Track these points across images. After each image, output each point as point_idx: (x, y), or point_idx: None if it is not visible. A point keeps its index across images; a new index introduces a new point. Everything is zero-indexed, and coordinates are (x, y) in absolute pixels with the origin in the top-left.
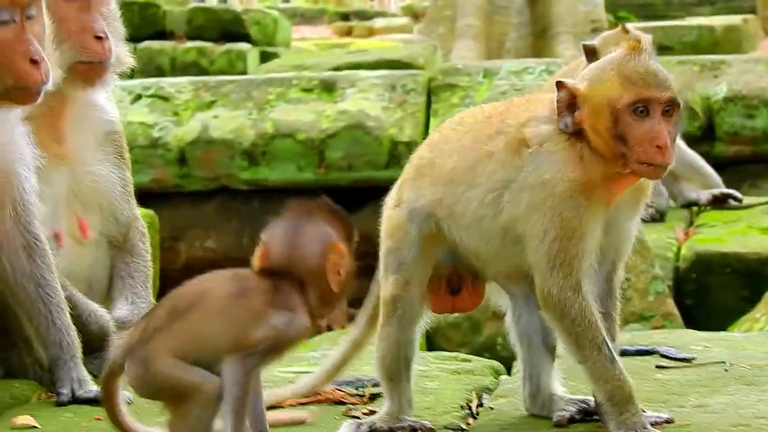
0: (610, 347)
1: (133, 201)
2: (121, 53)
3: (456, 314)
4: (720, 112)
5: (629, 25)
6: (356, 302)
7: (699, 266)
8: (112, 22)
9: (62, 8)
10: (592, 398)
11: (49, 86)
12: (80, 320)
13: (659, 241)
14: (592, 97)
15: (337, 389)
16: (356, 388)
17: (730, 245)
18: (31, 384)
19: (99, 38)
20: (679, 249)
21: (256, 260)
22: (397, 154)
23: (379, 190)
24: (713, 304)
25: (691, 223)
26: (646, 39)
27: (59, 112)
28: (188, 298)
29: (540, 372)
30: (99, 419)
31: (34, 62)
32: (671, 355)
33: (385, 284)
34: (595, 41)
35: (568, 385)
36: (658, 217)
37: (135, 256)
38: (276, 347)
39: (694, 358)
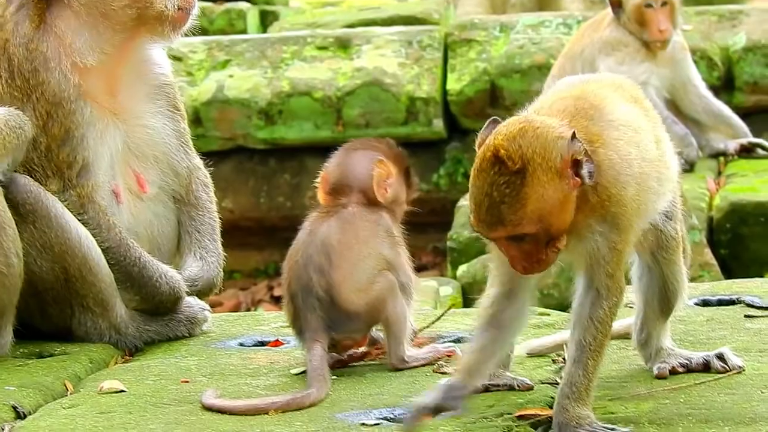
0: None
1: (193, 152)
2: None
3: None
4: (739, 62)
5: None
6: None
7: (733, 216)
8: None
9: None
10: (697, 355)
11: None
12: (151, 282)
13: (691, 191)
14: None
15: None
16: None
17: (764, 194)
18: (108, 348)
19: None
20: (711, 199)
21: (320, 187)
22: (414, 111)
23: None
24: (748, 253)
25: (720, 173)
26: None
27: (113, 67)
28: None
29: (651, 325)
30: (186, 382)
31: None
32: (758, 304)
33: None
34: None
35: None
36: (688, 168)
37: (200, 209)
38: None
39: None
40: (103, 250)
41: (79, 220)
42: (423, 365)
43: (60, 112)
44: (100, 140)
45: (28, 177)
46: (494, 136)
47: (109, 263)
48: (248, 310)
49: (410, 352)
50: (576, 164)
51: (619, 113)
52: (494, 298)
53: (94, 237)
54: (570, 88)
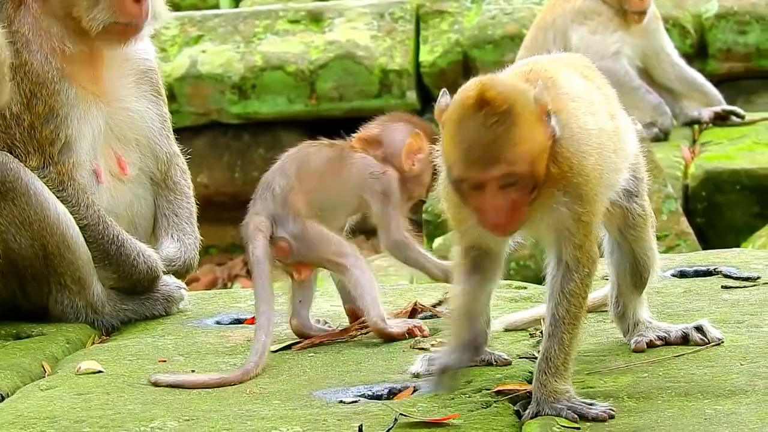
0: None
1: (172, 138)
2: (159, 7)
3: None
4: (712, 29)
5: None
6: None
7: (708, 184)
8: None
9: None
10: (675, 328)
11: (149, 24)
12: (129, 260)
13: (666, 160)
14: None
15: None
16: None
17: (739, 162)
18: (85, 327)
19: (138, 1)
20: (686, 167)
21: (358, 134)
22: (388, 83)
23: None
24: (724, 221)
25: (694, 141)
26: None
27: (94, 54)
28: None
29: (626, 299)
30: (163, 361)
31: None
32: (735, 275)
33: None
34: None
35: None
36: (662, 137)
37: (178, 194)
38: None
39: (759, 277)
40: (81, 228)
41: (57, 197)
42: (400, 334)
43: (44, 91)
44: (84, 120)
45: (7, 154)
46: (467, 90)
47: (87, 241)
48: (225, 285)
49: (390, 320)
50: (547, 114)
51: (573, 86)
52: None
53: (73, 215)
54: (522, 66)
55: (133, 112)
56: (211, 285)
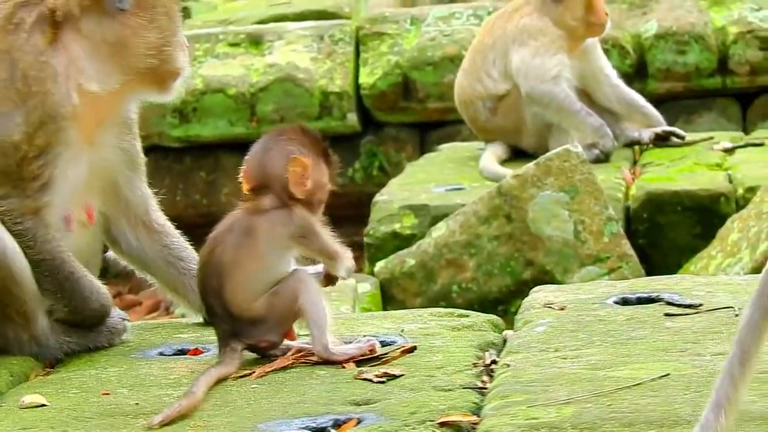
0: None
1: (145, 181)
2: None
3: (410, 264)
4: (651, 49)
5: None
6: None
7: (650, 205)
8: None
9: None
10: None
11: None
12: (82, 296)
13: (607, 181)
14: None
15: None
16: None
17: (680, 183)
18: (29, 360)
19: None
20: (627, 189)
21: (242, 184)
22: (328, 105)
23: None
24: (666, 242)
25: (635, 162)
26: None
27: (107, 99)
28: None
29: None
30: (107, 394)
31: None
32: (677, 302)
33: None
34: None
35: None
36: (603, 158)
37: (171, 236)
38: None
39: (701, 305)
40: (36, 263)
41: (13, 229)
42: (349, 359)
43: (52, 126)
44: (72, 163)
45: None
46: None
47: (42, 275)
48: (167, 309)
49: (336, 347)
50: None
51: None
52: None
53: (28, 249)
54: None
55: (109, 160)
56: (154, 309)
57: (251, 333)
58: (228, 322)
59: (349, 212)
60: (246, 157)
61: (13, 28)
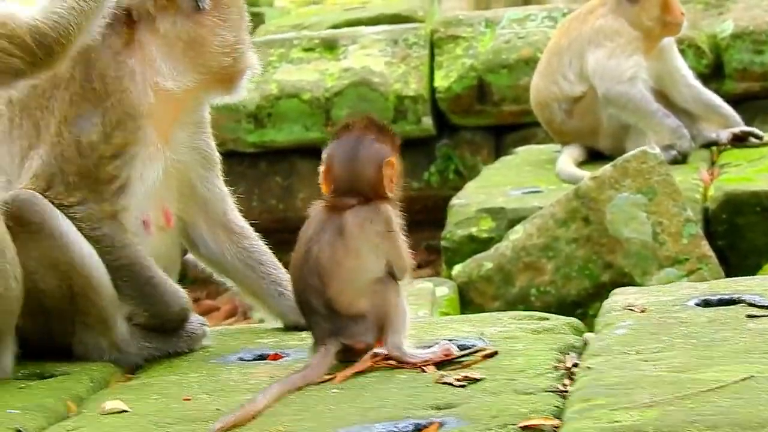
0: None
1: (221, 181)
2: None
3: (487, 267)
4: (728, 49)
5: None
6: None
7: (728, 206)
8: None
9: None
10: None
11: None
12: (162, 300)
13: (685, 183)
14: None
15: None
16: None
17: (759, 183)
18: (109, 366)
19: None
20: (705, 190)
21: (322, 186)
22: (403, 109)
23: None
24: (745, 244)
25: (713, 163)
26: None
27: (181, 98)
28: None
29: None
30: (188, 399)
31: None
32: (759, 303)
33: None
34: None
35: None
36: (680, 159)
37: (250, 238)
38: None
39: None
40: (116, 268)
41: (91, 235)
42: (425, 363)
43: (130, 124)
44: (148, 164)
45: (34, 193)
46: None
47: (121, 280)
48: (244, 314)
49: (410, 349)
50: None
51: None
52: None
53: (107, 254)
54: None
55: (184, 160)
56: (231, 314)
57: (352, 332)
58: (329, 321)
59: (424, 216)
60: (326, 159)
61: None
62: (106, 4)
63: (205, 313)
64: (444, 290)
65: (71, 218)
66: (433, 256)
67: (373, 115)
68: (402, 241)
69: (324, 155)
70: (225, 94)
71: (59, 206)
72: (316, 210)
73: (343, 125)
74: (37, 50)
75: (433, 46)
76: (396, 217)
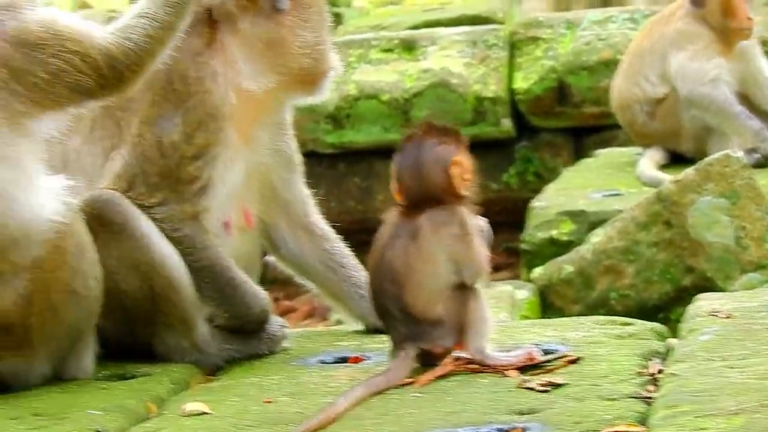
0: None
1: (302, 182)
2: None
3: (568, 270)
4: None
5: None
6: None
7: None
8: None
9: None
10: None
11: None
12: (243, 302)
13: None
14: None
15: None
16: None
17: None
18: (189, 367)
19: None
20: None
21: (397, 196)
22: (482, 110)
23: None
24: None
25: None
26: None
27: (261, 99)
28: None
29: None
30: (269, 402)
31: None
32: None
33: None
34: None
35: None
36: (764, 162)
37: (332, 241)
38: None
39: None
40: (197, 269)
41: (172, 236)
42: (507, 367)
43: (211, 125)
44: (229, 165)
45: (115, 193)
46: None
47: (202, 281)
48: (322, 315)
49: (493, 353)
50: None
51: None
52: None
53: (188, 255)
54: None
55: (265, 161)
56: (309, 315)
57: (430, 336)
58: (406, 326)
59: (503, 218)
60: (394, 173)
61: None
62: (180, 29)
63: (283, 313)
64: (524, 293)
65: (152, 219)
66: (512, 259)
67: (431, 119)
68: (477, 244)
69: (392, 169)
70: (307, 95)
71: (141, 207)
72: (391, 215)
73: (406, 136)
74: (107, 73)
75: (513, 47)
76: (471, 220)
